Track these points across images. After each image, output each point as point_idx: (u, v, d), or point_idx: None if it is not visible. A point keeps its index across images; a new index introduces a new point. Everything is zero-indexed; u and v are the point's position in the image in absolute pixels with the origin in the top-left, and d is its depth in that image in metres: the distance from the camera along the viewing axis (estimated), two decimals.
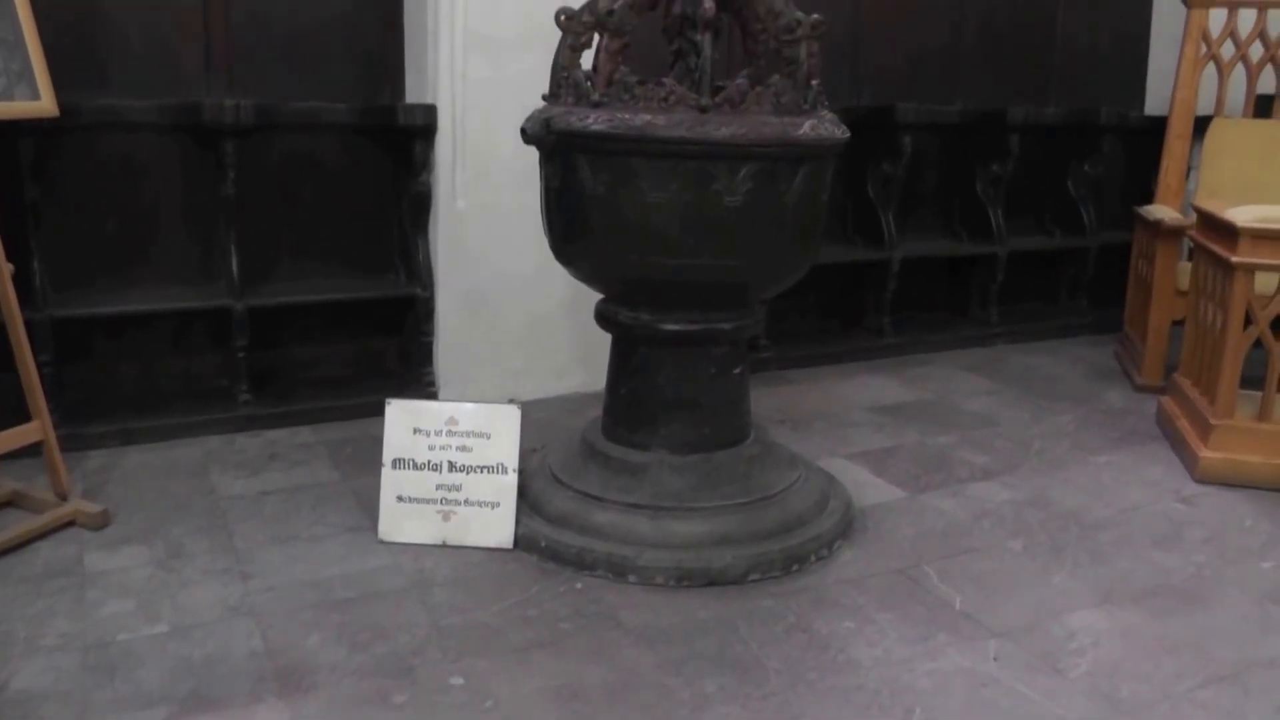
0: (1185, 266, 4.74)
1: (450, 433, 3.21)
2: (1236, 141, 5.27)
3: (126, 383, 4.17)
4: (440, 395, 4.37)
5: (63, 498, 3.31)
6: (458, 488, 3.19)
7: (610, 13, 3.00)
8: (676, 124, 2.81)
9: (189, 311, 4.15)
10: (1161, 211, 4.98)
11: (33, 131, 3.67)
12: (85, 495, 3.43)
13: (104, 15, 4.02)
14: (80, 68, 3.93)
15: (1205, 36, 5.29)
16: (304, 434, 4.11)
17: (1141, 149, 5.95)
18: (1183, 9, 5.37)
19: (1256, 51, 5.35)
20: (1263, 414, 3.85)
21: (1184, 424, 4.15)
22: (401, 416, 3.22)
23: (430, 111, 4.22)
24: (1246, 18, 5.31)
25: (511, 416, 3.21)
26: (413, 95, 4.44)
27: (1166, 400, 4.44)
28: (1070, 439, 4.31)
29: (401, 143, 4.31)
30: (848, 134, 3.10)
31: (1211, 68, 5.34)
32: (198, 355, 4.26)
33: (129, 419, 3.98)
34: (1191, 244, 4.38)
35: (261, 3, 4.26)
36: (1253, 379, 3.88)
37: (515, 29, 4.15)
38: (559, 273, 3.32)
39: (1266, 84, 5.38)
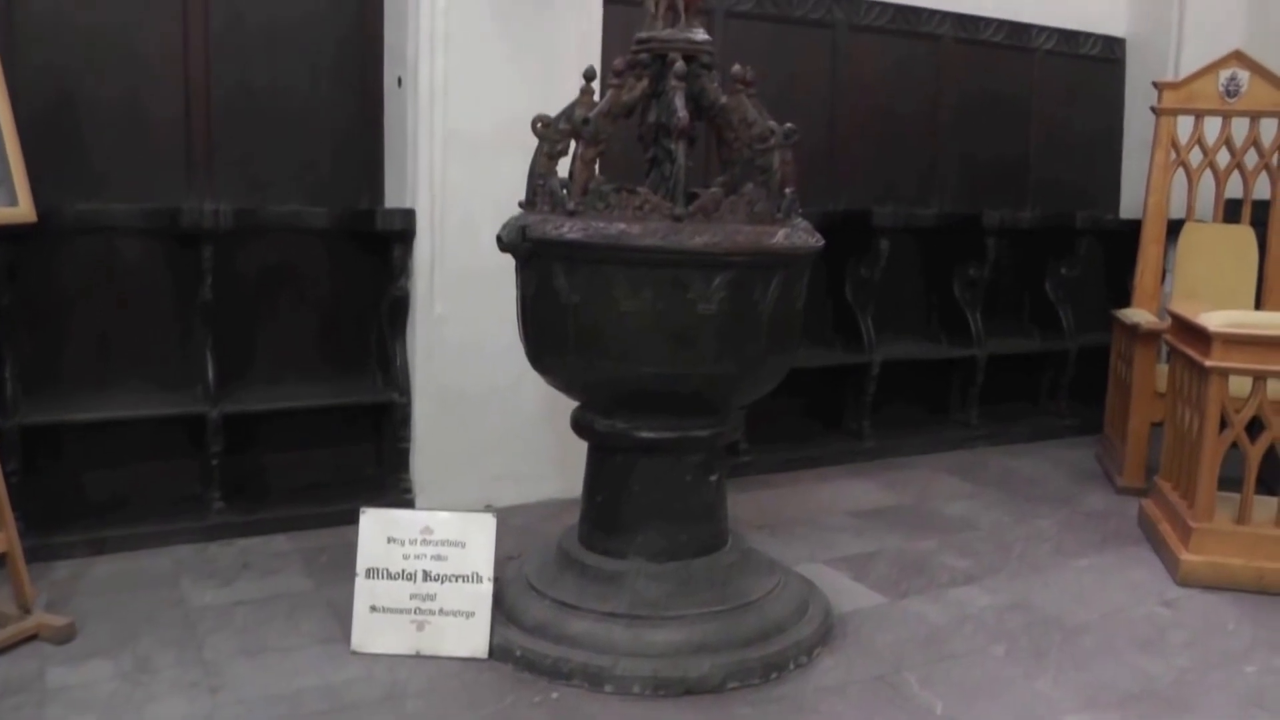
0: (1163, 369, 4.78)
1: (425, 541, 3.19)
2: (1208, 245, 5.38)
3: (97, 490, 4.14)
4: (417, 501, 4.35)
5: (26, 610, 3.25)
6: (432, 597, 3.17)
7: (586, 121, 3.05)
8: (651, 233, 2.85)
9: (163, 418, 4.14)
10: (1138, 315, 5.05)
11: (8, 236, 3.67)
12: (50, 607, 3.38)
13: (86, 118, 4.06)
14: (60, 171, 3.97)
15: (1174, 143, 5.42)
16: (278, 542, 4.08)
17: (1118, 251, 6.07)
18: (1152, 115, 5.49)
19: (1224, 158, 5.48)
20: (1242, 517, 3.87)
21: (1165, 527, 4.16)
22: (376, 526, 3.21)
23: (409, 216, 4.26)
24: (1213, 125, 5.45)
25: (487, 525, 3.20)
26: (392, 199, 4.49)
27: (1148, 503, 4.45)
28: (1052, 542, 4.31)
29: (380, 247, 4.35)
30: (821, 242, 3.15)
31: (1182, 172, 5.46)
32: (171, 461, 4.24)
33: (99, 527, 3.94)
34: (1168, 347, 4.42)
35: (243, 105, 4.31)
36: (1232, 480, 3.90)
37: (494, 133, 4.21)
38: (536, 378, 3.34)
39: (1235, 188, 5.48)
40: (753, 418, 3.77)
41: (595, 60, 4.32)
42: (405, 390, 4.36)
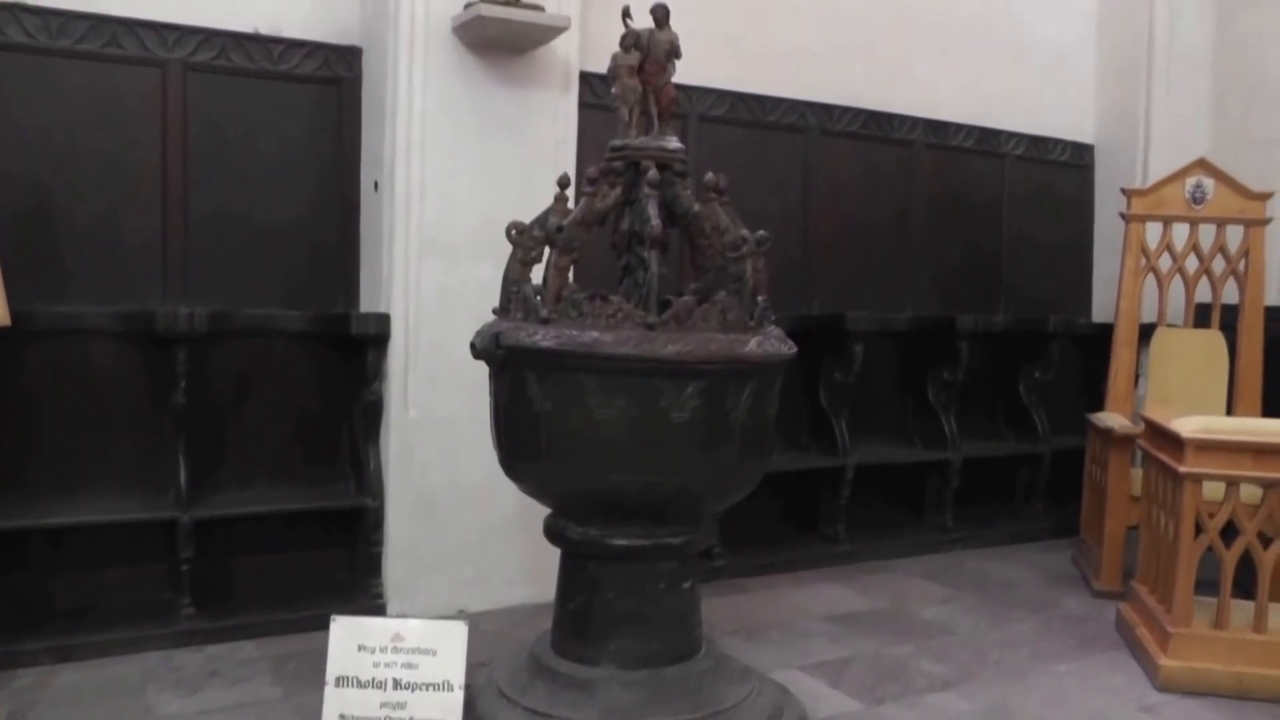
0: (1138, 472, 4.81)
1: (396, 649, 3.17)
2: (1180, 349, 5.47)
3: (64, 596, 4.10)
4: (389, 605, 4.32)
5: None
6: (402, 705, 3.14)
7: (559, 229, 3.10)
8: (624, 341, 2.87)
9: (134, 523, 4.11)
10: (1112, 419, 5.09)
11: None
12: (14, 717, 3.34)
13: (61, 221, 4.10)
14: (35, 273, 4.00)
15: (1144, 249, 5.51)
16: (247, 649, 4.03)
17: (1090, 354, 6.14)
18: (1121, 220, 5.59)
19: (1193, 263, 5.58)
20: (1219, 621, 3.88)
21: (1143, 631, 4.16)
22: (346, 634, 3.19)
23: (383, 320, 4.29)
24: (1181, 230, 5.56)
25: (458, 633, 3.18)
26: (367, 303, 4.52)
27: (1125, 607, 4.45)
28: (1029, 647, 4.30)
29: (354, 350, 4.37)
30: (794, 350, 3.18)
31: (1153, 276, 5.55)
32: (140, 567, 4.20)
33: (64, 634, 3.90)
34: (1142, 452, 4.45)
35: (219, 209, 4.36)
36: (1209, 583, 3.91)
37: (469, 239, 4.27)
38: (510, 483, 3.33)
39: (1205, 292, 5.58)
40: (727, 521, 3.76)
41: (571, 164, 4.40)
42: (378, 494, 4.35)
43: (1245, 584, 3.92)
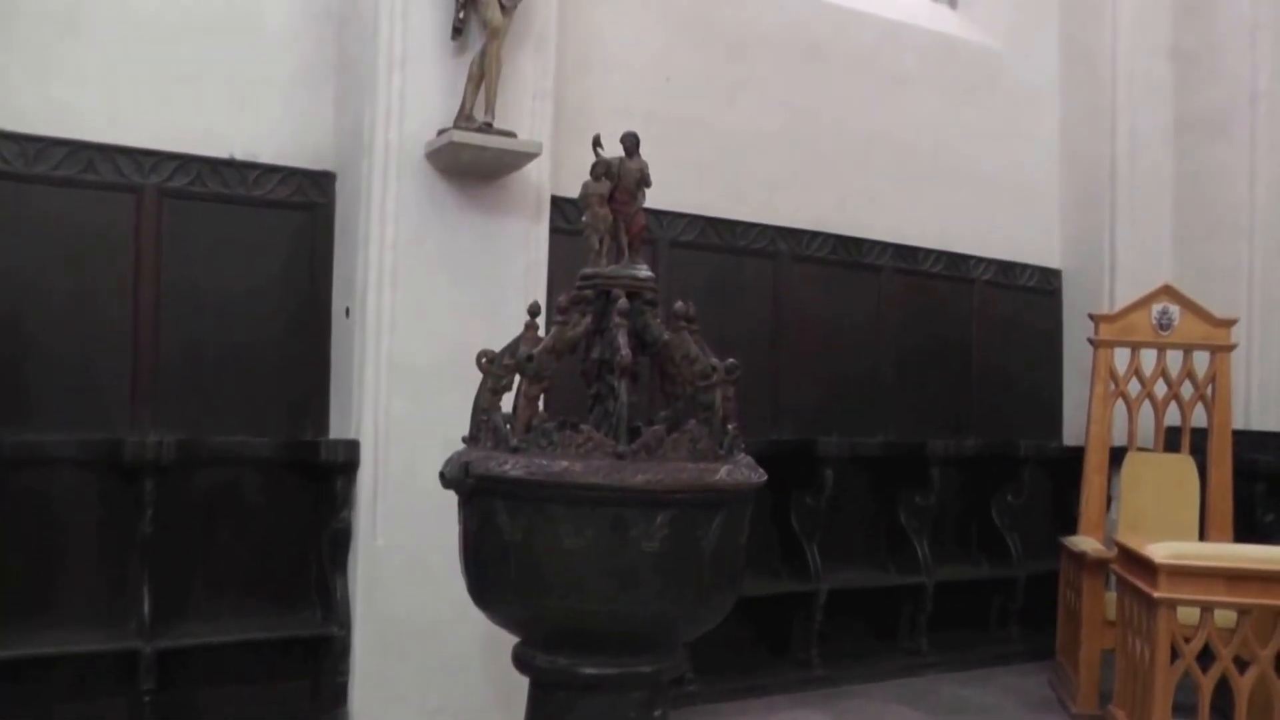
0: (1112, 596, 4.80)
1: None
2: (1151, 474, 5.51)
3: None
4: None
5: None
6: None
7: (529, 358, 3.11)
8: (594, 471, 2.87)
9: (94, 654, 4.03)
10: (1085, 544, 5.11)
11: None
12: None
13: (29, 347, 4.09)
14: (2, 402, 3.98)
15: (1113, 374, 5.57)
16: None
17: (1062, 478, 6.16)
18: (1089, 344, 5.66)
19: (1162, 388, 5.64)
20: None
21: None
22: None
23: (352, 447, 4.28)
24: (1149, 355, 5.63)
25: None
26: (336, 429, 4.51)
27: None
28: None
29: (323, 477, 4.35)
30: (764, 478, 3.18)
31: (1122, 401, 5.60)
32: (100, 700, 4.10)
33: None
34: (1116, 576, 4.45)
35: (190, 335, 4.36)
36: (1187, 705, 3.88)
37: (439, 366, 4.26)
38: (478, 611, 3.30)
39: (1174, 416, 5.63)
40: (699, 646, 3.73)
41: (541, 290, 4.44)
42: (345, 623, 4.30)
43: (1223, 707, 3.90)
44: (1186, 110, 6.47)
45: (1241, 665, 3.87)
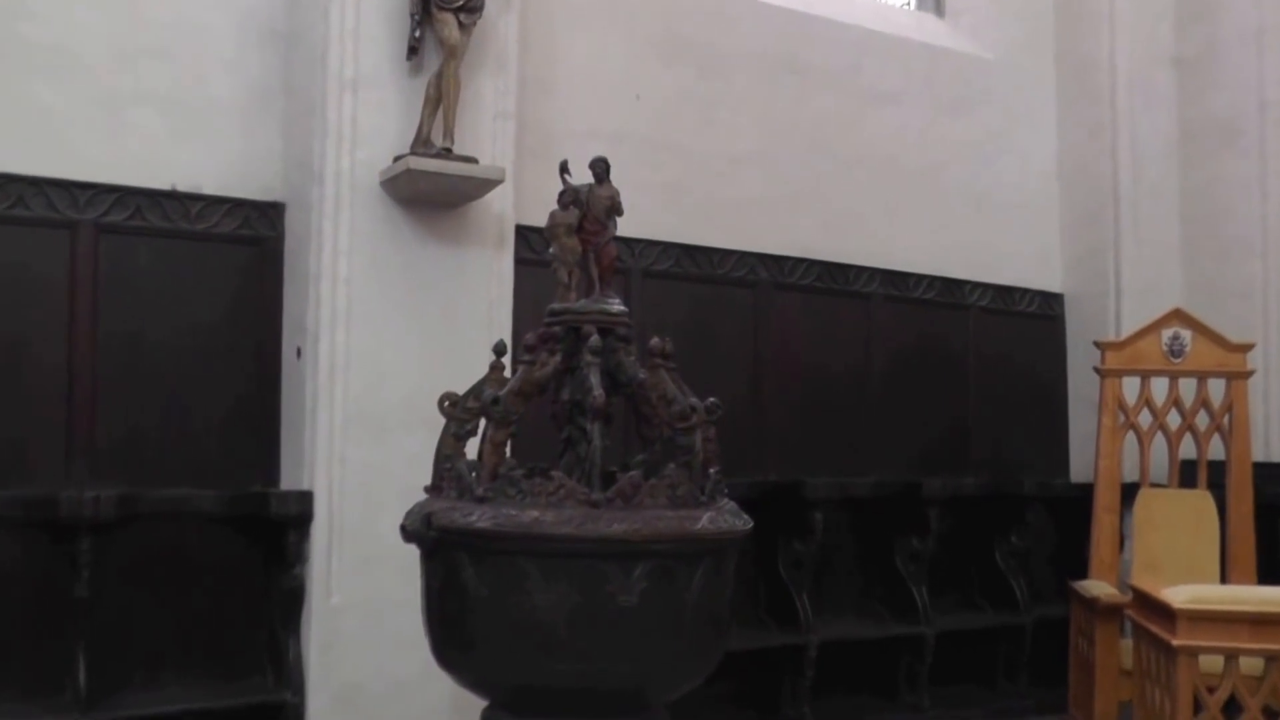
0: (1128, 644, 4.78)
1: None
2: (1166, 512, 5.47)
3: None
4: None
5: None
6: None
7: (496, 400, 3.10)
8: (566, 521, 2.87)
9: None
10: (1097, 588, 5.08)
11: None
12: None
13: None
14: None
15: (1122, 404, 5.56)
16: None
17: (1070, 517, 6.15)
18: (1095, 373, 5.67)
19: (1175, 419, 5.61)
20: None
21: None
22: None
23: (305, 499, 4.26)
24: (1160, 383, 5.61)
25: None
26: (288, 479, 4.48)
27: None
28: None
29: (273, 532, 4.32)
30: (749, 525, 3.17)
31: (1133, 434, 5.59)
32: None
33: None
34: (1132, 623, 4.44)
35: (130, 381, 4.35)
36: None
37: (398, 410, 4.26)
38: (442, 673, 3.28)
39: (1189, 448, 5.61)
40: (679, 707, 3.68)
41: (507, 326, 4.44)
42: (299, 688, 4.27)
43: None
44: (1191, 119, 6.53)
45: (1271, 715, 3.85)
